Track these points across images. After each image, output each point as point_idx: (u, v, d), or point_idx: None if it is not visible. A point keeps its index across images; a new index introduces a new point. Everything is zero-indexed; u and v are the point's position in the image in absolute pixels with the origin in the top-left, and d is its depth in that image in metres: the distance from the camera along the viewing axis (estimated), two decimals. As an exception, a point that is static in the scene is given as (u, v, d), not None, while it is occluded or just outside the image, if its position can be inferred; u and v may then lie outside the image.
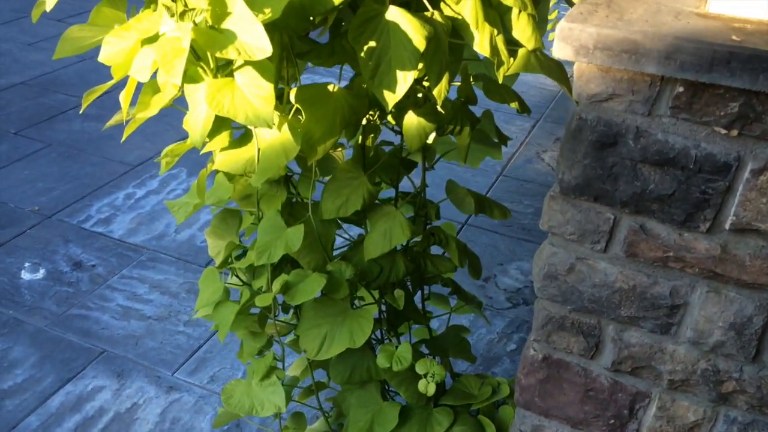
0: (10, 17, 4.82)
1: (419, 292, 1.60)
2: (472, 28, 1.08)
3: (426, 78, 1.23)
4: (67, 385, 1.99)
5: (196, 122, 1.01)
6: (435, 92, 1.17)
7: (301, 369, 1.66)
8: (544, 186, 3.15)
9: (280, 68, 1.18)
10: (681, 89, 0.94)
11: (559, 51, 0.97)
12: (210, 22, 0.89)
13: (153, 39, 0.97)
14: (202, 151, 1.23)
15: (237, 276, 1.44)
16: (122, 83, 1.14)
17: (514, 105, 1.37)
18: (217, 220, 1.43)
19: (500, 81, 1.15)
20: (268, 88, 0.96)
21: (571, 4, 1.32)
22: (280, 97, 1.21)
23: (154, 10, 1.02)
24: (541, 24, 1.21)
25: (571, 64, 1.00)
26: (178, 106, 1.21)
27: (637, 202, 1.03)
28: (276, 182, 1.33)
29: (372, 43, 1.05)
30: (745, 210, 0.97)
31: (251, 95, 0.95)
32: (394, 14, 1.04)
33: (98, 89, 1.19)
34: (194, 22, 0.86)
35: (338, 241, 1.43)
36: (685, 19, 0.97)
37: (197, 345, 2.16)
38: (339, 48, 1.21)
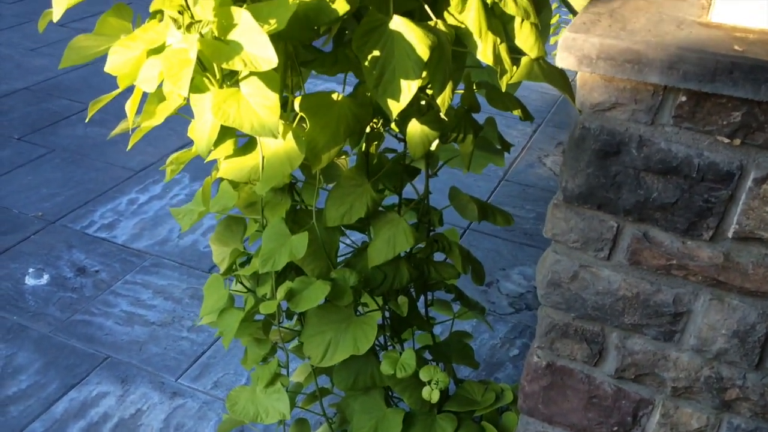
0: (12, 22, 4.84)
1: (422, 298, 1.60)
2: (476, 37, 1.09)
3: (429, 86, 1.24)
4: (71, 391, 2.00)
5: (202, 132, 1.02)
6: (438, 101, 1.18)
7: (304, 375, 1.67)
8: (546, 191, 3.16)
9: (285, 77, 1.19)
10: (684, 98, 0.94)
11: (563, 61, 0.98)
12: (216, 34, 0.89)
13: (159, 49, 0.98)
14: (207, 159, 1.23)
15: (241, 283, 1.44)
16: (126, 90, 1.15)
17: (517, 112, 1.37)
18: (222, 227, 1.44)
19: (503, 89, 1.16)
20: (273, 98, 0.96)
21: (574, 12, 1.33)
22: (284, 105, 1.22)
23: (160, 21, 1.03)
24: (543, 31, 1.22)
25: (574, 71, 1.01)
26: (182, 113, 1.22)
27: (641, 211, 1.04)
28: (280, 190, 1.34)
29: (376, 53, 1.06)
30: (748, 218, 0.98)
31: (257, 105, 0.96)
32: (398, 24, 1.05)
33: (104, 98, 1.19)
34: (200, 33, 0.87)
35: (342, 247, 1.44)
36: (687, 28, 0.98)
37: (201, 351, 2.17)
38: (342, 57, 1.22)
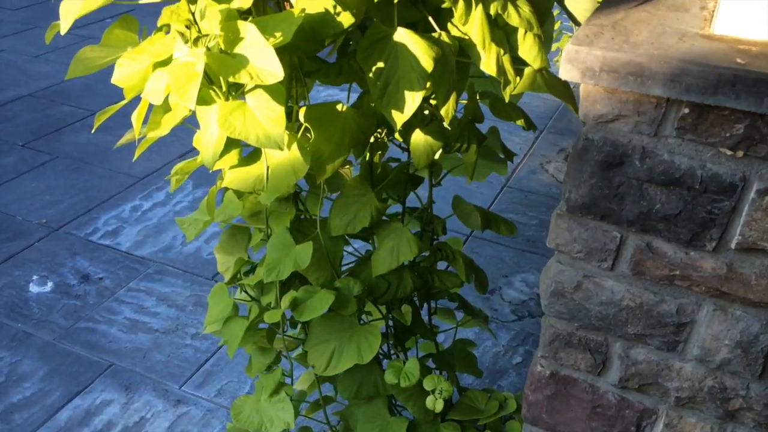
0: (17, 29, 4.86)
1: (426, 307, 1.61)
2: (479, 48, 1.10)
3: (433, 96, 1.25)
4: (76, 399, 2.00)
5: (208, 143, 1.03)
6: (443, 112, 1.19)
7: (308, 383, 1.67)
8: (549, 197, 3.16)
9: (290, 88, 1.20)
10: (686, 111, 0.95)
11: (566, 73, 0.98)
12: (222, 47, 0.90)
13: (166, 62, 0.99)
14: (212, 169, 1.24)
15: (246, 292, 1.45)
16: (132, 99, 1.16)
17: (520, 122, 1.38)
18: (226, 237, 1.45)
19: (507, 100, 1.17)
20: (279, 111, 0.97)
21: (576, 22, 1.34)
22: (289, 115, 1.23)
23: (166, 33, 1.04)
24: (546, 42, 1.23)
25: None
26: (187, 123, 1.23)
27: (644, 221, 1.04)
28: (285, 199, 1.35)
29: (380, 64, 1.06)
30: (751, 230, 0.98)
31: (262, 117, 0.97)
32: (402, 35, 1.06)
33: (110, 109, 1.20)
34: (207, 47, 0.88)
35: (345, 255, 1.44)
36: (689, 41, 0.98)
37: (204, 358, 2.17)
38: (347, 67, 1.23)
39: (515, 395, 1.58)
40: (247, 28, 0.90)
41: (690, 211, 1.01)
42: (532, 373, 1.27)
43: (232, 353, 1.34)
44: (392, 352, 1.63)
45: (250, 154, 1.25)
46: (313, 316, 1.28)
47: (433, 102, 1.28)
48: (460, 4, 1.07)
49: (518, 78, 1.16)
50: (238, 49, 0.90)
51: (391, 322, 1.55)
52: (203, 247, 2.71)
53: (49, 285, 2.46)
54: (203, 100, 1.02)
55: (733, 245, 1.01)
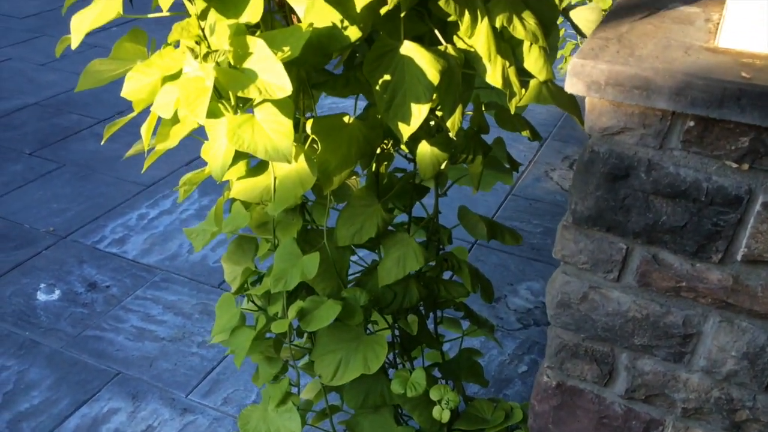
0: (23, 37, 4.90)
1: (432, 316, 1.61)
2: (485, 60, 1.11)
3: (439, 107, 1.25)
4: (83, 407, 2.01)
5: (217, 156, 1.04)
6: (449, 124, 1.19)
7: (314, 392, 1.67)
8: (554, 205, 3.17)
9: (297, 100, 1.20)
10: (692, 124, 0.96)
11: (571, 86, 0.99)
12: (232, 62, 0.91)
13: (175, 76, 1.00)
14: (220, 181, 1.25)
15: (252, 302, 1.46)
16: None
17: (525, 133, 1.39)
18: (234, 247, 1.46)
19: (512, 112, 1.18)
20: (287, 124, 0.98)
21: (582, 34, 1.34)
22: (296, 126, 1.24)
23: (175, 47, 1.05)
24: (551, 53, 1.24)
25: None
26: (195, 134, 1.24)
27: (650, 233, 1.05)
28: (292, 210, 1.35)
29: (387, 77, 1.07)
30: (757, 242, 0.99)
31: (270, 131, 0.98)
32: (409, 48, 1.07)
33: (119, 122, 1.22)
34: (217, 62, 0.89)
35: (351, 264, 1.45)
36: (694, 54, 0.99)
37: (211, 367, 2.18)
38: (353, 79, 1.24)
39: (521, 405, 1.58)
40: (256, 43, 0.91)
41: (696, 223, 1.01)
42: (539, 384, 1.28)
43: (239, 363, 1.35)
44: (398, 361, 1.63)
45: (258, 165, 1.26)
46: (320, 327, 1.29)
47: (439, 113, 1.29)
48: (466, 18, 1.08)
49: (524, 90, 1.17)
50: (247, 64, 0.91)
51: (397, 332, 1.55)
52: (209, 255, 2.72)
53: (57, 293, 2.47)
54: (212, 113, 1.03)
55: (738, 257, 1.01)
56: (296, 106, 1.21)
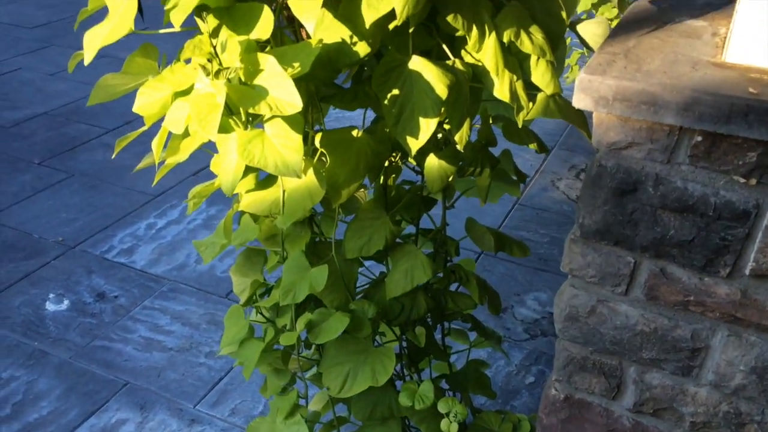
0: (32, 47, 4.94)
1: (439, 327, 1.61)
2: (493, 75, 1.11)
3: (447, 120, 1.26)
4: (92, 418, 2.02)
5: (227, 170, 1.05)
6: (456, 137, 1.20)
7: (322, 403, 1.68)
8: (560, 214, 3.17)
9: (306, 114, 1.21)
10: (699, 138, 0.96)
11: (579, 102, 1.00)
12: (243, 78, 0.92)
13: (186, 92, 1.01)
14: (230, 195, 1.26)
15: (261, 313, 1.46)
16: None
17: (533, 146, 1.39)
18: (242, 259, 1.46)
19: (520, 125, 1.18)
20: (297, 139, 0.99)
21: (589, 48, 1.35)
22: (305, 139, 1.25)
23: (186, 63, 1.06)
24: (558, 67, 1.24)
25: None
26: (205, 148, 1.25)
27: (658, 247, 1.05)
28: (300, 223, 1.36)
29: (395, 91, 1.08)
30: (765, 256, 0.99)
31: (280, 146, 0.99)
32: (417, 63, 1.08)
33: (130, 136, 1.23)
34: (228, 79, 0.90)
35: (358, 276, 1.45)
36: (702, 69, 1.00)
37: (218, 377, 2.19)
38: (362, 93, 1.25)
39: (529, 417, 1.58)
40: (267, 60, 0.92)
41: (704, 237, 1.01)
42: (547, 397, 1.28)
43: (248, 375, 1.35)
44: (406, 372, 1.63)
45: (267, 178, 1.27)
46: (329, 339, 1.29)
47: (447, 126, 1.29)
48: (474, 33, 1.09)
49: (531, 103, 1.18)
50: (258, 80, 0.92)
51: (404, 343, 1.56)
52: (217, 265, 2.73)
53: (66, 303, 2.49)
54: (223, 128, 1.04)
55: (747, 271, 1.01)
56: (305, 120, 1.22)
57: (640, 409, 1.19)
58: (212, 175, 3.23)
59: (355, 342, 1.38)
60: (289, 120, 0.99)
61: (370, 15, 0.97)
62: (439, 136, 1.33)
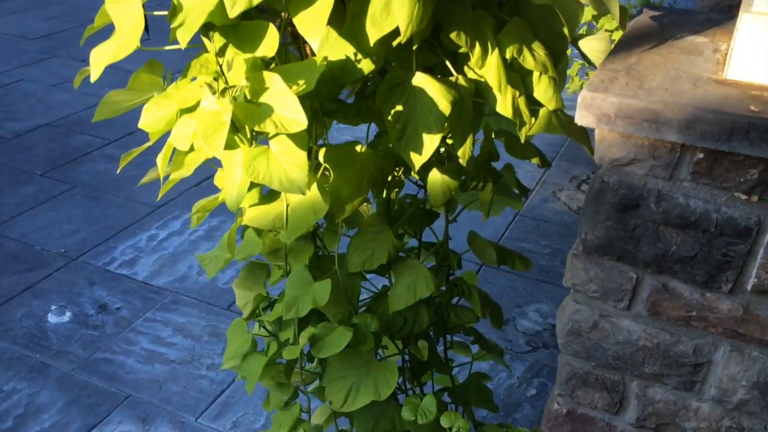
0: (34, 58, 4.96)
1: (441, 341, 1.61)
2: (495, 91, 1.12)
3: (450, 135, 1.27)
4: (93, 431, 2.02)
5: (232, 186, 1.05)
6: (459, 153, 1.21)
7: (324, 417, 1.68)
8: (561, 225, 3.17)
9: (310, 129, 1.22)
10: (701, 156, 0.97)
11: (582, 119, 1.01)
12: (248, 96, 0.93)
13: (192, 109, 1.02)
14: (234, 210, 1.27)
15: (264, 327, 1.47)
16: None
17: (535, 160, 1.40)
18: (246, 272, 1.47)
19: (522, 140, 1.19)
20: (301, 156, 1.00)
21: (591, 64, 1.36)
22: (308, 154, 1.26)
23: (192, 80, 1.07)
24: (560, 82, 1.25)
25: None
26: (209, 163, 1.25)
27: (660, 263, 1.06)
28: (303, 237, 1.37)
29: (399, 107, 1.09)
30: (767, 272, 0.99)
31: (285, 163, 0.99)
32: (420, 80, 1.08)
33: (135, 151, 1.23)
34: (234, 97, 0.91)
35: (361, 289, 1.46)
36: (703, 86, 1.00)
37: (220, 390, 2.18)
38: (365, 108, 1.26)
39: (531, 430, 1.58)
40: (272, 78, 0.93)
41: (706, 253, 1.02)
42: (549, 411, 1.28)
43: (251, 389, 1.35)
44: (408, 386, 1.63)
45: (270, 193, 1.28)
46: (332, 353, 1.30)
47: (449, 141, 1.30)
48: (477, 49, 1.10)
49: (533, 118, 1.18)
50: (263, 98, 0.93)
51: (407, 357, 1.56)
52: (219, 276, 2.73)
53: (68, 315, 2.49)
54: (228, 144, 1.04)
55: (748, 287, 1.02)
56: (309, 135, 1.23)
57: (643, 424, 1.19)
58: (214, 186, 3.24)
59: (358, 356, 1.38)
60: (294, 137, 1.00)
61: (374, 33, 0.99)
62: (442, 150, 1.34)
